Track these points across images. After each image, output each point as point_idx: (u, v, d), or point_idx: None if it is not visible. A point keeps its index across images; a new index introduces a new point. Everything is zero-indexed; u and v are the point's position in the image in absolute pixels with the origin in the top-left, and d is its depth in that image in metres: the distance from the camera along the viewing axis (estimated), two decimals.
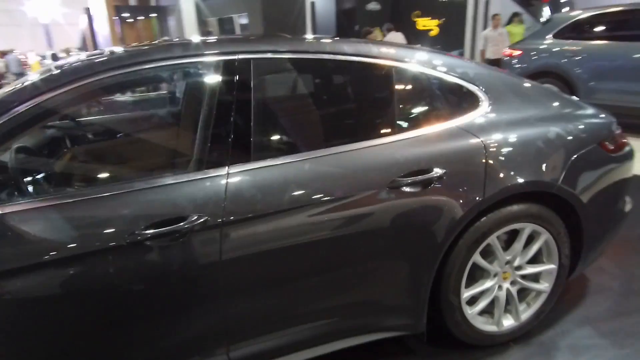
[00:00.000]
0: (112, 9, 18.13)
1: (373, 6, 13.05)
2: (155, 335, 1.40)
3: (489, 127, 1.76)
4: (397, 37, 7.40)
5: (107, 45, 16.99)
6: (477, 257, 1.77)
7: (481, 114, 1.79)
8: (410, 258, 1.65)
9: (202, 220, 1.34)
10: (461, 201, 1.64)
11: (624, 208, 2.15)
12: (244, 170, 1.44)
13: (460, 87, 1.81)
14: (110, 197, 1.33)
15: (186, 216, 1.34)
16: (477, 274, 1.87)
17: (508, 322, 1.95)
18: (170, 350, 1.43)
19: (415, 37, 13.06)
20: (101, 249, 1.27)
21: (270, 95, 1.62)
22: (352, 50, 1.67)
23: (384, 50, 1.75)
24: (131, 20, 21.01)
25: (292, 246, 1.47)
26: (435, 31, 13.07)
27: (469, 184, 1.66)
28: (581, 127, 1.92)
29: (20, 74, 13.46)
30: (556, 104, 1.99)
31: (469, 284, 1.85)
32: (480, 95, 1.82)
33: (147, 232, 1.29)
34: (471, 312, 1.85)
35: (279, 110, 1.65)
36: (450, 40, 11.94)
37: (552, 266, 1.93)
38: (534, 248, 1.88)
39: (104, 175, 1.67)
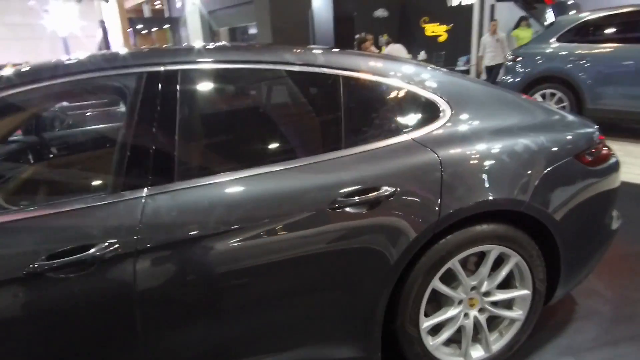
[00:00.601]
0: (126, 21, 18.47)
1: (381, 13, 12.93)
2: None
3: (448, 140, 1.61)
4: (397, 50, 7.24)
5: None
6: (436, 283, 1.61)
7: (440, 125, 1.64)
8: (357, 285, 1.50)
9: (112, 248, 1.23)
10: (414, 223, 1.49)
11: (611, 225, 1.96)
12: (164, 192, 1.32)
13: (419, 96, 1.67)
14: (11, 223, 1.22)
15: (94, 244, 1.22)
16: (440, 300, 1.71)
17: (477, 353, 1.78)
18: None
19: (423, 44, 12.90)
20: None
21: (200, 109, 1.50)
22: (295, 59, 1.55)
23: (332, 58, 1.62)
24: (145, 31, 21.38)
25: (217, 275, 1.35)
26: (443, 37, 12.89)
27: (422, 204, 1.51)
28: (555, 138, 1.75)
29: None
30: (529, 114, 1.82)
31: (430, 312, 1.69)
32: (442, 105, 1.67)
33: (49, 262, 1.18)
34: (433, 343, 1.69)
35: (208, 125, 1.53)
36: (459, 45, 11.75)
37: (525, 292, 1.76)
38: (503, 272, 1.71)
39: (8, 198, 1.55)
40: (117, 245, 1.23)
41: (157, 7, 22.90)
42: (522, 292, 1.76)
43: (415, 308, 1.60)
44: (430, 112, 1.66)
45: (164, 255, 1.29)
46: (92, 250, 1.21)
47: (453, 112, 1.67)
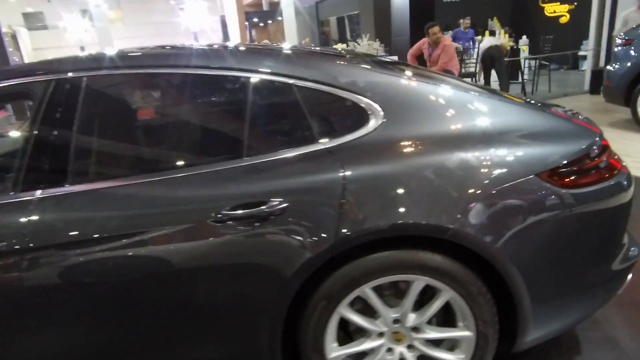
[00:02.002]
0: (243, 15, 19.74)
1: None
2: None
3: (367, 151, 1.41)
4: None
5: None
6: (344, 311, 1.44)
7: (365, 133, 1.44)
8: (245, 305, 1.41)
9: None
10: (306, 243, 1.34)
11: (612, 263, 1.54)
12: (54, 195, 1.39)
13: (344, 100, 1.48)
14: None
15: None
16: (361, 330, 1.53)
17: None
18: None
19: (542, 26, 11.50)
20: None
21: (101, 116, 1.52)
22: (197, 62, 1.49)
23: (240, 58, 1.52)
24: (262, 24, 22.61)
25: (91, 282, 1.37)
26: (565, 18, 11.34)
27: (317, 223, 1.35)
28: (511, 152, 1.41)
29: None
30: (498, 120, 1.50)
31: (347, 341, 1.52)
32: (372, 110, 1.46)
33: None
34: None
35: (106, 132, 1.54)
36: (583, 28, 10.21)
37: (467, 333, 1.48)
38: (433, 308, 1.46)
39: None
40: (4, 244, 1.33)
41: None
42: (461, 333, 1.48)
43: (318, 335, 1.45)
44: (357, 118, 1.46)
45: (47, 256, 1.36)
46: None
47: (384, 119, 1.45)
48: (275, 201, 1.34)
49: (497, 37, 6.92)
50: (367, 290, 1.42)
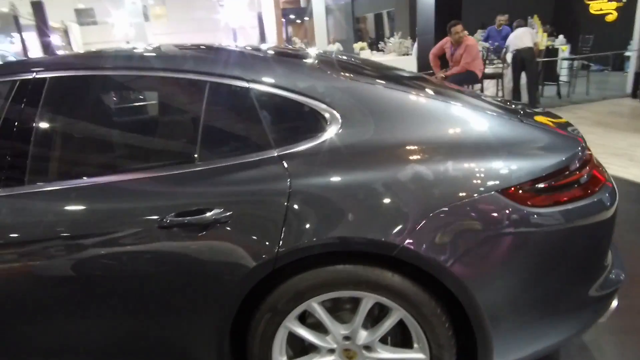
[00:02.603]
0: (279, 12, 19.88)
1: None
2: None
3: (318, 161, 1.36)
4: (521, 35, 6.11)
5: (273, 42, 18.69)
6: (291, 324, 1.40)
7: (320, 141, 1.39)
8: (192, 311, 1.39)
9: None
10: (248, 254, 1.31)
11: (587, 290, 1.42)
12: (8, 195, 1.42)
13: (300, 105, 1.43)
14: None
15: None
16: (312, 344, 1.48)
17: None
18: None
19: (587, 24, 10.91)
20: None
21: (60, 117, 1.53)
22: (153, 64, 1.48)
23: (197, 61, 1.50)
24: (299, 21, 22.69)
25: (44, 280, 1.40)
26: (613, 16, 10.70)
27: (259, 234, 1.31)
28: (473, 165, 1.32)
29: None
30: (462, 128, 1.41)
31: (299, 354, 1.48)
32: (330, 116, 1.41)
33: None
34: None
35: (64, 133, 1.55)
36: (632, 26, 9.61)
37: (420, 356, 1.40)
38: (384, 326, 1.39)
39: None
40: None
41: None
42: (413, 356, 1.41)
43: (265, 347, 1.42)
44: (314, 124, 1.41)
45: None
46: None
47: (342, 126, 1.40)
48: (219, 209, 1.32)
49: (530, 33, 6.52)
50: (314, 305, 1.37)
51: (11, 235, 1.38)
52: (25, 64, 1.55)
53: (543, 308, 1.38)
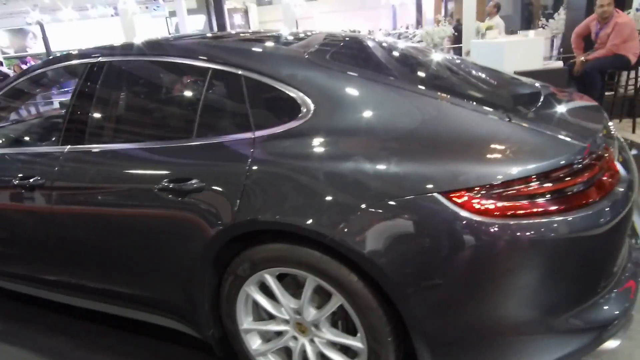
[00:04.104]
0: None
1: None
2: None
3: (280, 145, 1.46)
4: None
5: (430, 23, 18.06)
6: (249, 290, 1.56)
7: (290, 127, 1.48)
8: (176, 262, 1.66)
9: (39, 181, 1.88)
10: (212, 221, 1.50)
11: (548, 318, 1.24)
12: (75, 150, 1.87)
13: (281, 92, 1.53)
14: None
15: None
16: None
17: None
18: None
19: None
20: None
21: (100, 93, 1.90)
22: (151, 50, 1.80)
23: (193, 48, 1.73)
24: None
25: (84, 215, 1.83)
26: None
27: (222, 205, 1.49)
28: (420, 164, 1.26)
29: None
30: (417, 123, 1.37)
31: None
32: (304, 104, 1.49)
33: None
34: (255, 347, 1.64)
35: (102, 106, 1.94)
36: None
37: (358, 345, 1.43)
38: (326, 308, 1.45)
39: None
40: (42, 180, 1.88)
41: None
42: (352, 343, 1.44)
43: (230, 305, 1.61)
44: (289, 110, 1.51)
45: (61, 193, 1.86)
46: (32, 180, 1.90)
47: (313, 114, 1.47)
48: (195, 180, 1.53)
49: None
50: (266, 276, 1.50)
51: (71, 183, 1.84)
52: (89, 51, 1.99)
53: (482, 325, 1.26)
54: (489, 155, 1.26)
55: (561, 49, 6.30)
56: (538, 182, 1.19)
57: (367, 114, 1.42)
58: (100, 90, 1.87)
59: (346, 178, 1.32)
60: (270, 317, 1.63)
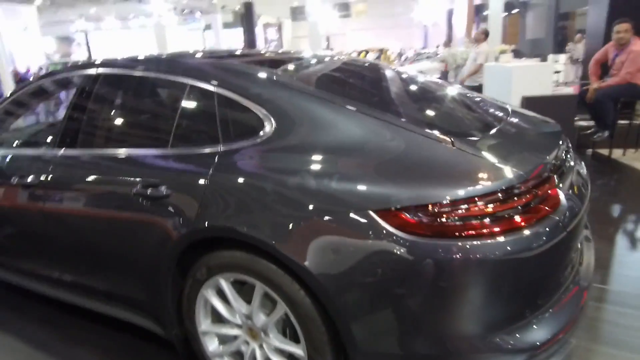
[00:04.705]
0: (472, 8, 18.96)
1: None
2: None
3: (241, 158, 1.57)
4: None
5: (460, 43, 18.04)
6: (208, 294, 1.64)
7: (252, 144, 1.58)
8: (144, 264, 1.77)
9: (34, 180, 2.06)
10: (174, 226, 1.61)
11: (477, 336, 1.28)
12: (65, 154, 2.03)
13: (246, 109, 1.64)
14: None
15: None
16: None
17: None
18: None
19: None
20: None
21: (96, 103, 2.07)
22: (135, 64, 1.94)
23: (181, 65, 1.86)
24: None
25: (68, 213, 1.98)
26: None
27: (184, 212, 1.59)
28: (355, 182, 1.34)
29: None
30: (360, 141, 1.46)
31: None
32: (267, 121, 1.59)
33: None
34: (212, 349, 1.72)
35: (95, 114, 2.08)
36: None
37: (299, 352, 1.49)
38: (273, 316, 1.52)
39: None
40: (39, 179, 2.05)
41: None
42: (294, 350, 1.50)
43: (190, 307, 1.70)
44: (254, 126, 1.61)
45: (50, 193, 2.02)
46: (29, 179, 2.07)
47: (273, 131, 1.56)
48: (165, 186, 1.65)
49: None
50: (220, 281, 1.59)
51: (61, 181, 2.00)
52: (89, 63, 2.16)
53: (407, 340, 1.31)
54: (423, 178, 1.32)
55: (579, 75, 6.19)
56: (467, 206, 1.24)
57: (318, 133, 1.50)
58: (92, 100, 2.04)
59: (290, 192, 1.40)
60: (225, 321, 1.71)
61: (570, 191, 1.53)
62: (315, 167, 1.43)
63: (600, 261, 2.72)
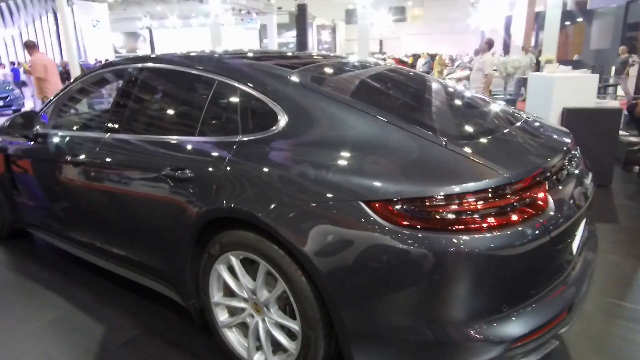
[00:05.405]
0: (532, 16, 18.33)
1: None
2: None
3: (257, 148, 1.73)
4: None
5: (517, 50, 17.46)
6: (221, 269, 1.82)
7: (267, 135, 1.75)
8: (169, 238, 1.98)
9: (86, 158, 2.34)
10: (195, 205, 1.80)
11: (453, 329, 1.36)
12: (111, 137, 2.29)
13: (264, 104, 1.81)
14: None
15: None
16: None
17: (260, 358, 1.81)
18: None
19: None
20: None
21: (138, 93, 2.33)
22: (175, 60, 2.17)
23: (204, 61, 2.09)
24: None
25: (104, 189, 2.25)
26: None
27: (203, 194, 1.78)
28: (350, 173, 1.47)
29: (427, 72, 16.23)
30: (360, 137, 1.58)
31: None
32: (281, 115, 1.75)
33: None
34: (222, 319, 1.90)
35: (134, 103, 2.35)
36: None
37: (294, 326, 1.63)
38: (273, 292, 1.67)
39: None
40: (88, 158, 2.32)
41: None
42: (292, 325, 1.64)
43: (205, 280, 1.89)
44: (270, 120, 1.77)
45: (96, 171, 2.29)
46: (81, 157, 2.35)
47: (286, 125, 1.72)
48: (189, 170, 1.85)
49: None
50: (231, 257, 1.76)
51: (104, 161, 2.27)
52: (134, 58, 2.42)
53: (391, 323, 1.41)
54: (412, 174, 1.42)
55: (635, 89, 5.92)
56: (449, 202, 1.34)
57: (325, 130, 1.65)
58: (135, 91, 2.30)
59: (293, 180, 1.55)
60: (234, 294, 1.88)
61: (567, 199, 1.57)
62: (317, 159, 1.56)
63: (625, 279, 2.67)
